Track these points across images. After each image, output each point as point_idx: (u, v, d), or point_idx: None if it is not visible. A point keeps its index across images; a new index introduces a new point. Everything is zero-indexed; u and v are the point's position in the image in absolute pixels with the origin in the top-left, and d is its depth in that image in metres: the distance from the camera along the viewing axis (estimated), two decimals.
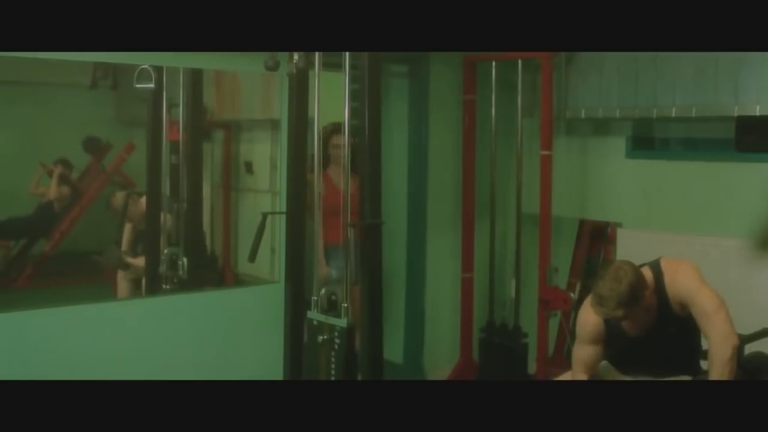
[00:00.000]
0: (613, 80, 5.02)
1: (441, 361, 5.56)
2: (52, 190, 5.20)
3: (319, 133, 4.23)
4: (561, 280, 5.25)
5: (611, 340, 3.55)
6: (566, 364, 4.97)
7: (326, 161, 4.90)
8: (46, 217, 5.12)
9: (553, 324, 5.24)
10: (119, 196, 5.26)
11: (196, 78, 4.90)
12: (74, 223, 5.31)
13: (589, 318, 3.51)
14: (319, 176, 4.28)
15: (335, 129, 4.80)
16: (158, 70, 4.67)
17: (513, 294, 5.31)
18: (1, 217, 5.01)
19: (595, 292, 3.35)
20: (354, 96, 3.82)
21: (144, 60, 4.48)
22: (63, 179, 5.19)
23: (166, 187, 4.96)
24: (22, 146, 5.11)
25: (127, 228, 5.16)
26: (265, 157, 5.14)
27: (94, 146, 5.34)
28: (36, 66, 4.15)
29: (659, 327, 3.48)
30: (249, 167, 5.46)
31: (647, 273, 3.45)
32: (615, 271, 3.32)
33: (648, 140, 5.27)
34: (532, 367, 5.21)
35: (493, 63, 5.30)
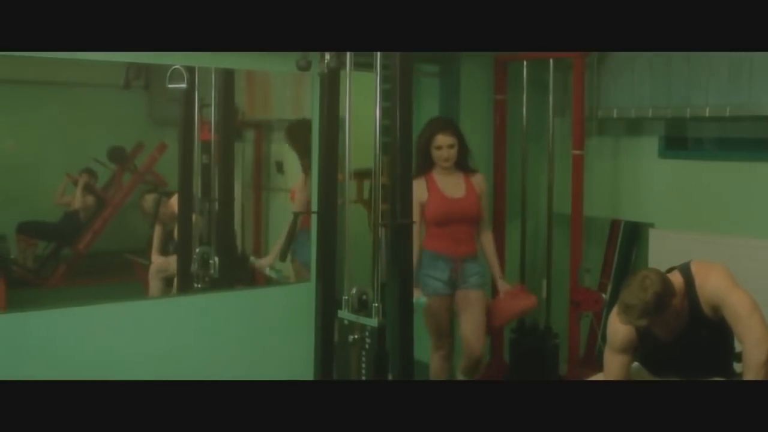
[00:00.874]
0: (645, 79, 4.99)
1: None
2: (77, 200, 5.23)
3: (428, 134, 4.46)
4: (592, 280, 5.22)
5: (642, 344, 3.53)
6: (597, 365, 4.95)
7: (426, 163, 4.67)
8: (71, 226, 5.16)
9: (585, 325, 5.22)
10: (149, 199, 5.29)
11: (227, 78, 4.93)
12: (107, 222, 5.35)
13: (620, 325, 3.48)
14: (420, 180, 4.42)
15: (441, 126, 4.66)
16: (190, 70, 4.70)
17: (544, 294, 5.29)
18: (30, 217, 5.06)
19: (621, 300, 3.33)
20: (385, 96, 3.82)
21: (176, 60, 4.51)
22: (88, 189, 5.22)
23: (197, 187, 4.98)
24: (56, 145, 5.16)
25: (158, 230, 5.19)
26: (296, 156, 5.15)
27: (119, 156, 5.38)
28: (69, 66, 4.19)
29: (691, 331, 3.45)
30: (280, 167, 5.48)
31: (677, 277, 3.42)
32: (641, 280, 3.29)
33: (681, 140, 5.22)
34: (562, 369, 5.18)
35: (525, 62, 5.29)
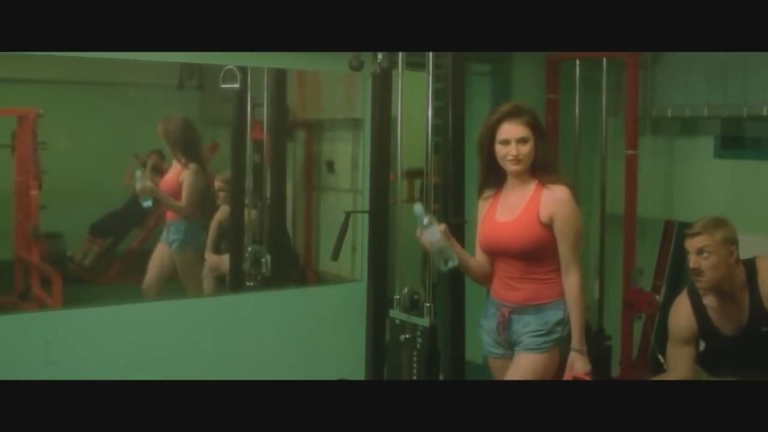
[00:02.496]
0: (700, 78, 4.91)
1: None
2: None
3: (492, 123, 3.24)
4: (646, 282, 5.17)
5: (703, 336, 3.51)
6: (650, 367, 4.90)
7: (492, 171, 3.38)
8: (139, 208, 5.22)
9: (638, 327, 5.16)
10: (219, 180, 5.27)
11: (279, 78, 4.96)
12: (160, 219, 5.41)
13: (682, 315, 3.50)
14: (488, 199, 3.42)
15: (510, 112, 3.27)
16: (243, 70, 4.74)
17: (597, 296, 5.24)
18: (99, 215, 5.15)
19: (695, 225, 3.44)
20: (437, 95, 3.82)
21: (229, 60, 4.55)
22: (155, 170, 5.29)
23: (249, 186, 5.02)
24: (112, 144, 5.24)
25: (212, 228, 5.21)
26: (347, 156, 5.17)
27: None
28: (126, 67, 4.25)
29: (751, 326, 3.43)
30: (331, 166, 5.50)
31: (741, 268, 3.41)
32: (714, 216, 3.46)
33: (737, 140, 5.13)
34: (615, 370, 5.13)
35: (577, 61, 5.24)
